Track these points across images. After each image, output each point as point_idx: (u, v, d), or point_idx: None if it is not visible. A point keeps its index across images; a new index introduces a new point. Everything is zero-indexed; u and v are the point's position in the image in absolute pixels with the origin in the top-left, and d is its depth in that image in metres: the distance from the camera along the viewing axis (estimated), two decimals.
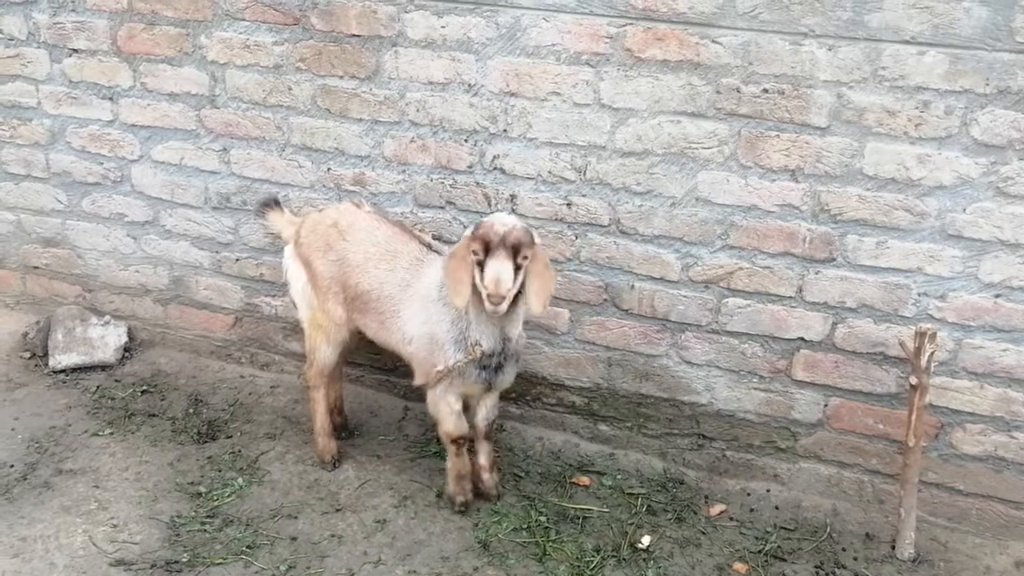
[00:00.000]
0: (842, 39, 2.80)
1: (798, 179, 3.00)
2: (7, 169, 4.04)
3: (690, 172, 3.12)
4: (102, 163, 3.87)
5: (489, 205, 3.38)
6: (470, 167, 3.36)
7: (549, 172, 3.27)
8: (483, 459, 3.23)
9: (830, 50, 2.83)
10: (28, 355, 4.04)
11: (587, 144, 3.19)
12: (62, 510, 3.12)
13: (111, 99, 3.75)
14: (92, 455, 3.42)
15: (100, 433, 3.55)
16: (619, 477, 3.43)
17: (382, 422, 3.72)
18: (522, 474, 3.42)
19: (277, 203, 3.41)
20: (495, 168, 3.33)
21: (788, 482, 3.38)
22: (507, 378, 3.04)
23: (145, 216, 3.90)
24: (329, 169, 3.54)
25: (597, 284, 3.37)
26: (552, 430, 3.64)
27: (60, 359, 3.93)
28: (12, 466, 3.34)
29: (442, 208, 3.45)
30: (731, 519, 3.26)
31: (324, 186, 3.57)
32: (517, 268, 2.68)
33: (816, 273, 3.08)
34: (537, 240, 2.76)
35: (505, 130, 3.26)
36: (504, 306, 2.68)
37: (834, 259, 3.05)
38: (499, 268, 2.66)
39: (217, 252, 3.85)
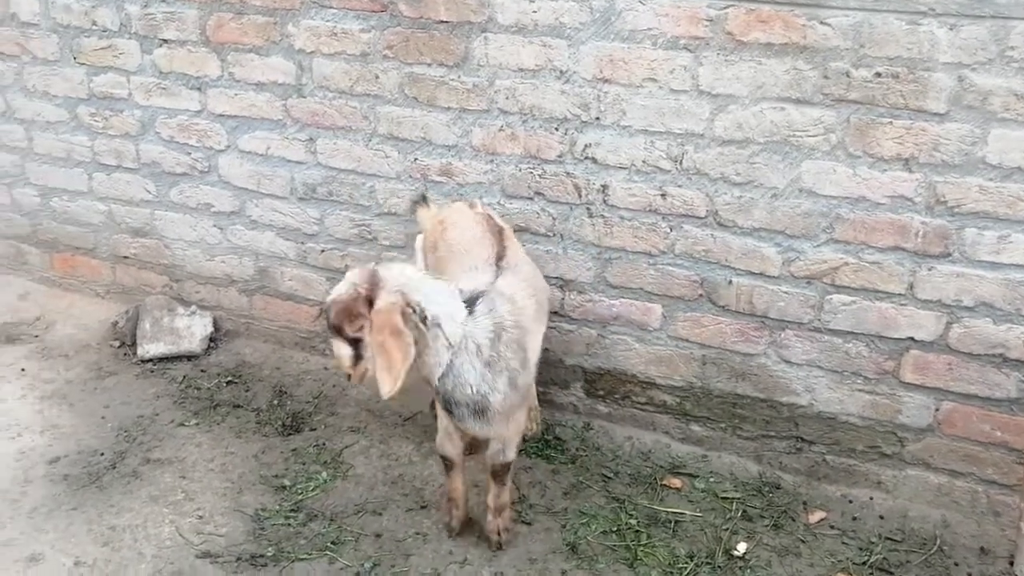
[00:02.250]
0: (965, 17, 2.61)
1: (912, 169, 2.82)
2: (99, 160, 4.08)
3: (793, 162, 2.96)
4: (190, 153, 3.88)
5: (579, 196, 3.27)
6: (560, 157, 3.25)
7: (643, 161, 3.14)
8: (489, 498, 2.88)
9: (951, 29, 2.63)
10: (118, 344, 4.08)
11: (684, 132, 3.06)
12: (150, 500, 3.12)
13: (199, 89, 3.74)
14: (179, 445, 3.42)
15: (186, 423, 3.55)
16: (712, 480, 3.28)
17: None
18: (611, 475, 3.30)
19: (425, 199, 3.26)
20: (586, 157, 3.21)
21: (893, 490, 3.19)
22: (487, 429, 2.61)
23: (231, 206, 3.90)
24: (416, 159, 3.47)
25: (692, 279, 3.23)
26: (642, 430, 3.52)
27: (148, 348, 3.96)
28: (103, 454, 3.35)
29: (530, 199, 3.35)
30: (832, 527, 3.09)
31: (410, 177, 3.50)
32: (354, 343, 2.38)
33: (929, 269, 2.89)
34: (381, 302, 2.32)
35: (598, 118, 3.15)
36: (385, 389, 2.33)
37: (950, 254, 2.85)
38: (336, 348, 2.45)
39: (302, 243, 3.82)
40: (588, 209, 3.27)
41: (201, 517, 3.05)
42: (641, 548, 2.95)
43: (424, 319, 2.39)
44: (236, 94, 3.68)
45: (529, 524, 3.04)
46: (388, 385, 2.29)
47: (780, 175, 2.99)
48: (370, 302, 2.34)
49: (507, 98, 3.25)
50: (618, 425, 3.55)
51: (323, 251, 3.80)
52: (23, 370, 3.87)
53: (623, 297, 3.35)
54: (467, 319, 2.46)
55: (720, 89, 2.97)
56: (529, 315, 2.67)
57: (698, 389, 3.36)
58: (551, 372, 3.51)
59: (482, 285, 2.61)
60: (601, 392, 3.53)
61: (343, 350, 2.42)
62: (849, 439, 3.20)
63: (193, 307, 4.11)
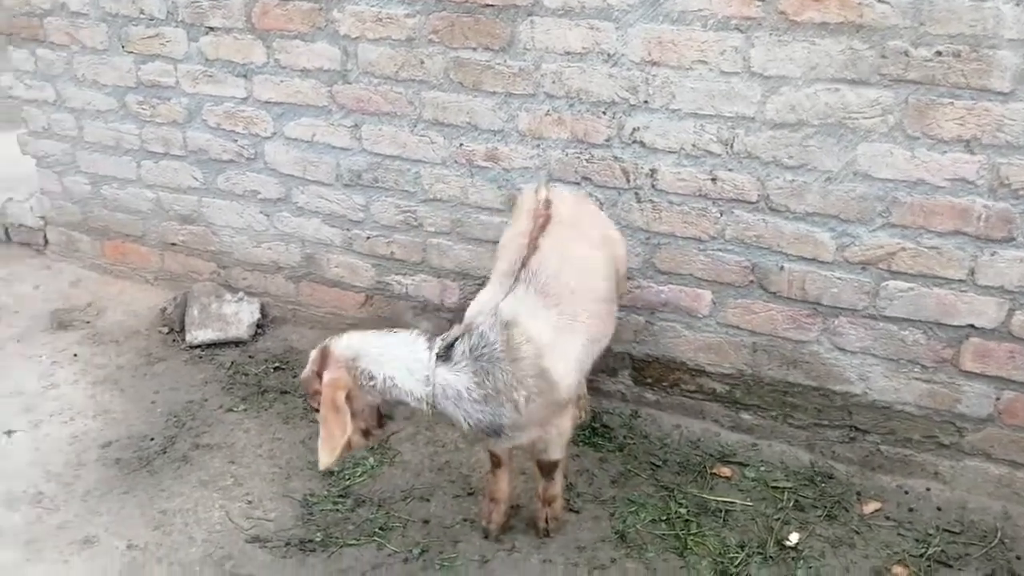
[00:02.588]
0: None
1: (974, 150, 2.73)
2: (148, 148, 4.12)
3: (848, 144, 2.88)
4: (236, 140, 3.89)
5: (627, 181, 3.22)
6: (608, 141, 3.20)
7: (693, 145, 3.08)
8: (539, 488, 2.86)
9: (1018, 5, 2.54)
10: (166, 330, 4.12)
11: (735, 115, 2.99)
12: (199, 484, 3.15)
13: (245, 76, 3.75)
14: (227, 430, 3.44)
15: (235, 409, 3.57)
16: (763, 469, 3.23)
17: None
18: (659, 463, 3.26)
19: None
20: (634, 141, 3.16)
21: (951, 481, 3.11)
22: (512, 442, 2.53)
23: (278, 193, 3.91)
24: (461, 144, 3.44)
25: (743, 264, 3.17)
26: (690, 418, 3.47)
27: (196, 334, 3.99)
28: (153, 439, 3.39)
29: (577, 184, 3.31)
30: (887, 518, 3.02)
31: (456, 162, 3.48)
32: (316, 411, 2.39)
33: (992, 254, 2.80)
34: (325, 379, 2.33)
35: (646, 101, 3.09)
36: (322, 462, 2.35)
37: (1014, 238, 2.76)
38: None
39: (348, 230, 3.82)
40: (636, 194, 3.23)
41: (250, 502, 3.07)
42: (691, 537, 2.91)
43: (374, 385, 2.36)
44: (282, 81, 3.68)
45: (577, 512, 3.02)
46: (325, 458, 2.31)
47: (834, 158, 2.91)
48: (321, 378, 2.36)
49: (553, 82, 3.20)
50: (666, 413, 3.51)
51: (368, 238, 3.79)
52: (75, 355, 3.92)
53: (672, 283, 3.30)
54: (436, 368, 2.33)
55: (772, 71, 2.90)
56: (547, 329, 2.42)
57: (748, 377, 3.31)
58: (599, 360, 3.46)
59: (481, 312, 2.46)
60: (649, 380, 3.48)
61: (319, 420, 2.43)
62: (905, 428, 3.12)
63: (240, 293, 4.13)
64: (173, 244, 4.27)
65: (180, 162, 4.07)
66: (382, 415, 2.50)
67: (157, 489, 3.12)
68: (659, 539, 2.91)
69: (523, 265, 2.51)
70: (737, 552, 2.85)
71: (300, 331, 4.13)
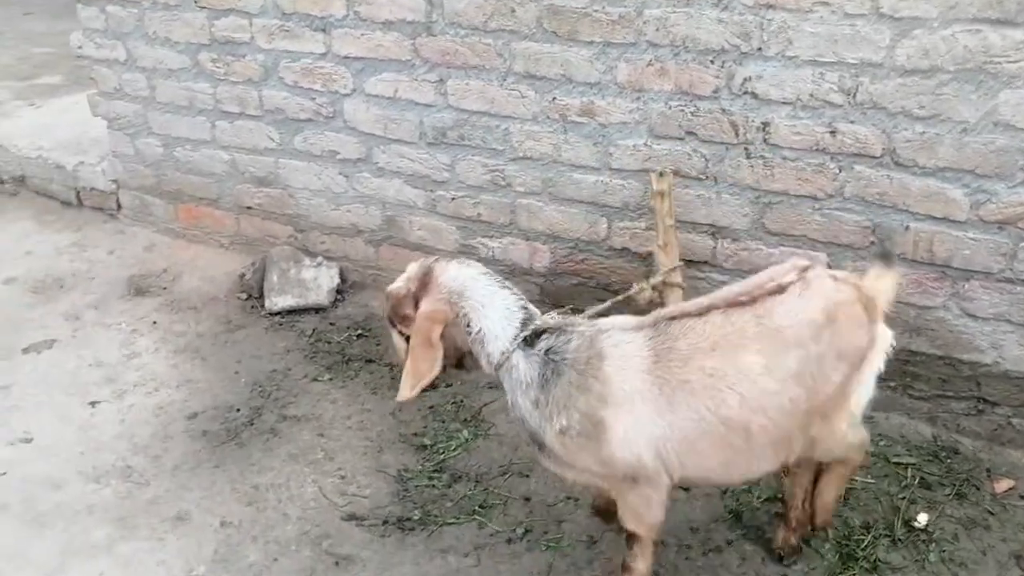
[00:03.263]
0: None
1: None
2: (222, 107, 3.98)
3: (989, 91, 2.62)
4: (314, 99, 3.73)
5: (736, 135, 2.99)
6: (715, 92, 2.97)
7: (811, 95, 2.84)
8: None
9: None
10: (245, 296, 4.01)
11: (859, 62, 2.74)
12: (290, 458, 3.04)
13: (324, 30, 3.57)
14: (313, 401, 3.33)
15: (320, 378, 3.46)
16: (882, 444, 3.02)
17: None
18: None
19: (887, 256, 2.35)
20: (745, 92, 2.93)
21: None
22: (548, 464, 2.27)
23: (357, 153, 3.74)
24: (554, 99, 3.24)
25: (863, 224, 2.93)
26: None
27: (276, 301, 3.87)
28: (239, 410, 3.29)
29: (681, 140, 3.09)
30: (1022, 498, 2.80)
31: (548, 118, 3.28)
32: (406, 337, 2.26)
33: None
34: (424, 306, 2.19)
35: (760, 48, 2.85)
36: (401, 394, 2.20)
37: None
38: (392, 336, 2.35)
39: (432, 191, 3.65)
40: (746, 149, 3.00)
41: (343, 477, 2.95)
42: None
43: (468, 330, 2.19)
44: (362, 34, 3.50)
45: (686, 490, 2.85)
46: (405, 391, 2.18)
47: (972, 107, 2.65)
48: (417, 302, 2.22)
49: (657, 29, 2.97)
50: None
51: (454, 199, 3.62)
52: (155, 323, 3.83)
53: (783, 245, 3.08)
54: (516, 347, 2.16)
55: (904, 11, 2.64)
56: (637, 389, 2.07)
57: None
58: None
59: (598, 325, 2.21)
60: None
61: (397, 341, 2.33)
62: None
63: (319, 258, 4.00)
64: (249, 208, 4.14)
65: (256, 122, 3.92)
66: (463, 358, 2.32)
67: (247, 463, 3.02)
68: (776, 518, 2.73)
69: (670, 318, 2.14)
70: (863, 534, 2.67)
71: (381, 296, 3.97)
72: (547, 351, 2.15)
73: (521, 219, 3.51)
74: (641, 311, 3.08)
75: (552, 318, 2.23)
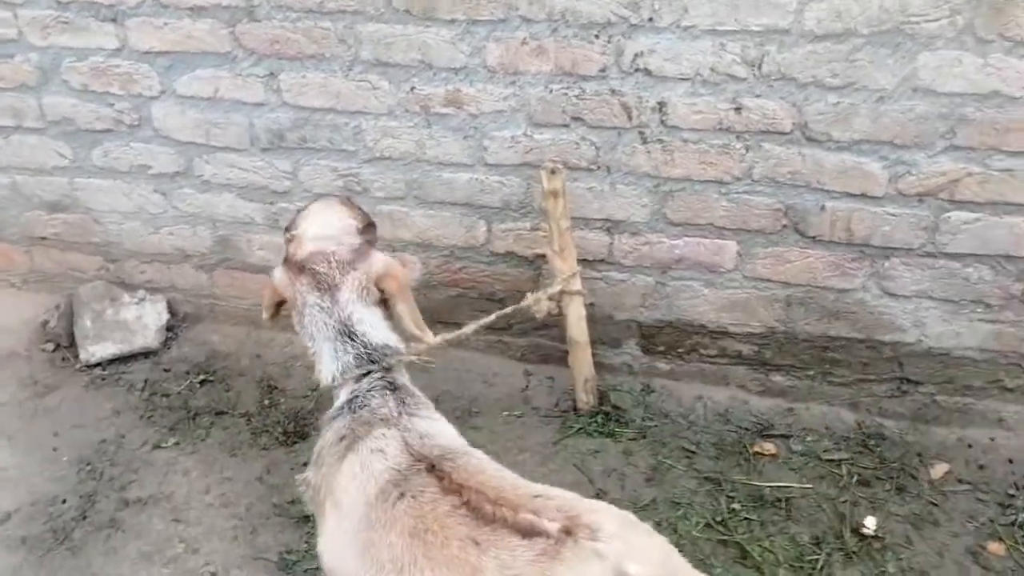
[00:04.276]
0: None
1: None
2: None
3: (907, 55, 2.37)
4: (112, 104, 3.06)
5: (630, 118, 2.63)
6: (603, 71, 2.59)
7: (711, 69, 2.50)
8: None
9: None
10: (52, 347, 3.33)
11: (764, 29, 2.43)
12: (141, 558, 2.48)
13: (114, 20, 2.91)
14: (160, 475, 2.75)
15: (163, 444, 2.88)
16: (809, 440, 2.80)
17: (501, 393, 3.05)
18: (692, 447, 2.79)
19: None
20: (637, 70, 2.56)
21: (1016, 427, 2.77)
22: None
23: (175, 166, 3.12)
24: (413, 88, 2.75)
25: (775, 207, 2.66)
26: (712, 385, 3.00)
27: (93, 351, 3.21)
28: (65, 501, 2.67)
29: (566, 127, 2.70)
30: (960, 481, 2.67)
31: (407, 111, 2.79)
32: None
33: None
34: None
35: (651, 19, 2.48)
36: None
37: None
38: None
39: (272, 203, 3.09)
40: (641, 133, 2.64)
41: (214, 574, 2.42)
42: (757, 542, 2.45)
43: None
44: (165, 23, 2.86)
45: None
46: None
47: (889, 73, 2.40)
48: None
49: (531, 3, 2.54)
50: (684, 383, 3.02)
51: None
52: None
53: (688, 235, 2.77)
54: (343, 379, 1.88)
55: None
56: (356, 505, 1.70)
57: (780, 335, 2.84)
58: (599, 330, 2.94)
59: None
60: (661, 348, 2.98)
61: None
62: (964, 376, 2.75)
63: (140, 292, 3.36)
64: (43, 238, 3.42)
65: (38, 136, 3.20)
66: None
67: (87, 573, 2.42)
68: (720, 546, 2.46)
69: (440, 471, 1.66)
70: (814, 552, 2.44)
71: (222, 329, 3.40)
72: (352, 396, 1.85)
73: (384, 228, 3.01)
74: (539, 326, 2.70)
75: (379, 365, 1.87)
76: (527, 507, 1.51)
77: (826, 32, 2.39)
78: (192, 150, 3.07)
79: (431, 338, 1.99)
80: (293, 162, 2.99)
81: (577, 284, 2.71)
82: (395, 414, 1.79)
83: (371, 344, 1.87)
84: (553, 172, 2.54)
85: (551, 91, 2.65)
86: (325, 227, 1.97)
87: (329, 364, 1.88)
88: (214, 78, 2.91)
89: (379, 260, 1.94)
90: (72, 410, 3.04)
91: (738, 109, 2.54)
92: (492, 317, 2.37)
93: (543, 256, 2.87)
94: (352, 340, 1.86)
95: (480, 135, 2.77)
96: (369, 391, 1.83)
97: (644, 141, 2.66)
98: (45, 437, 2.92)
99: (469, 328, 2.31)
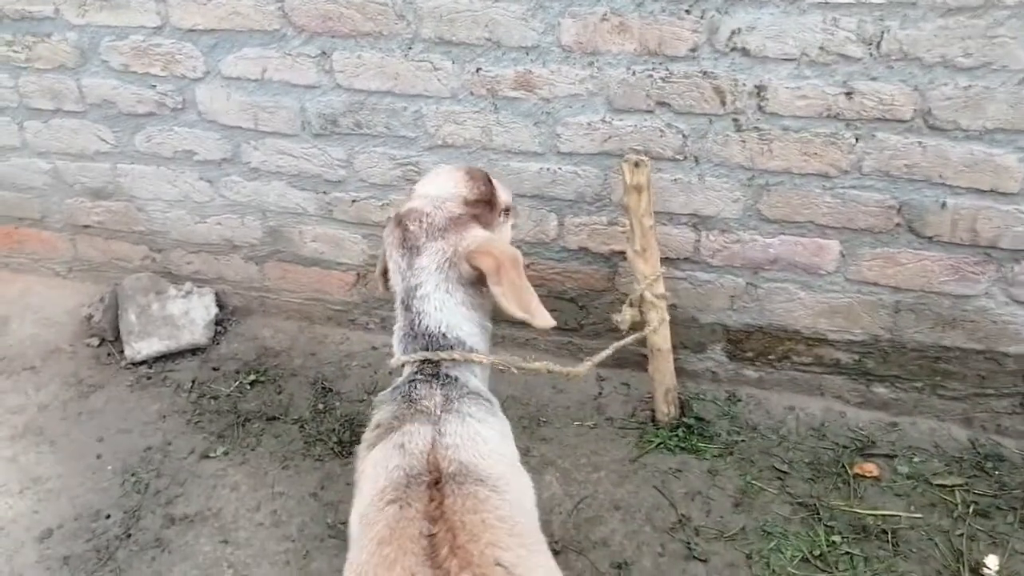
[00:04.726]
0: None
1: None
2: (29, 103, 3.03)
3: None
4: (154, 86, 2.84)
5: (723, 104, 2.33)
6: (694, 50, 2.29)
7: (820, 48, 2.19)
8: None
9: None
10: (97, 342, 3.16)
11: (886, 1, 2.10)
12: None
13: None
14: (208, 489, 2.57)
15: (211, 453, 2.69)
16: (916, 461, 2.51)
17: (572, 401, 2.81)
18: (784, 466, 2.52)
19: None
20: (733, 49, 2.26)
21: None
22: None
23: (221, 152, 2.90)
24: (479, 70, 2.48)
25: (887, 204, 2.35)
26: (805, 395, 2.72)
27: (139, 347, 3.03)
28: (108, 516, 2.50)
29: (649, 112, 2.41)
30: None
31: (472, 94, 2.52)
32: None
33: None
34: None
35: None
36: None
37: None
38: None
39: (325, 192, 2.86)
40: (735, 120, 2.35)
41: None
42: None
43: None
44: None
45: (704, 561, 2.27)
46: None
47: None
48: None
49: None
50: (773, 392, 2.75)
51: (355, 201, 2.84)
52: None
53: (785, 234, 2.47)
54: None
55: None
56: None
57: (886, 343, 2.54)
58: (681, 333, 2.67)
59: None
60: (749, 354, 2.70)
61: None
62: None
63: (187, 284, 3.17)
64: (86, 226, 3.24)
65: (79, 120, 3.00)
66: None
67: None
68: None
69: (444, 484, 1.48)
70: None
71: (273, 324, 3.20)
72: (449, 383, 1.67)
73: None
74: (614, 327, 2.44)
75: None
76: (476, 570, 1.32)
77: (961, 4, 2.06)
78: (239, 135, 2.84)
79: (542, 321, 1.70)
80: (347, 149, 2.75)
81: (661, 287, 2.45)
82: (437, 411, 1.60)
83: (426, 327, 1.68)
84: (637, 165, 2.26)
85: (634, 73, 2.36)
86: (435, 188, 1.82)
87: (396, 340, 1.74)
88: (261, 58, 2.67)
89: (476, 235, 1.72)
90: (117, 413, 2.87)
91: (849, 94, 2.23)
92: (609, 352, 2.16)
93: (621, 253, 2.61)
94: (411, 315, 1.70)
95: (553, 121, 2.50)
96: (417, 380, 1.65)
97: (739, 129, 2.36)
98: (89, 443, 2.75)
99: (583, 367, 2.10)
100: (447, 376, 1.66)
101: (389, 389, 1.69)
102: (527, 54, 2.43)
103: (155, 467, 2.66)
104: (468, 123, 2.58)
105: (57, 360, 3.09)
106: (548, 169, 2.58)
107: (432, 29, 2.46)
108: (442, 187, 1.83)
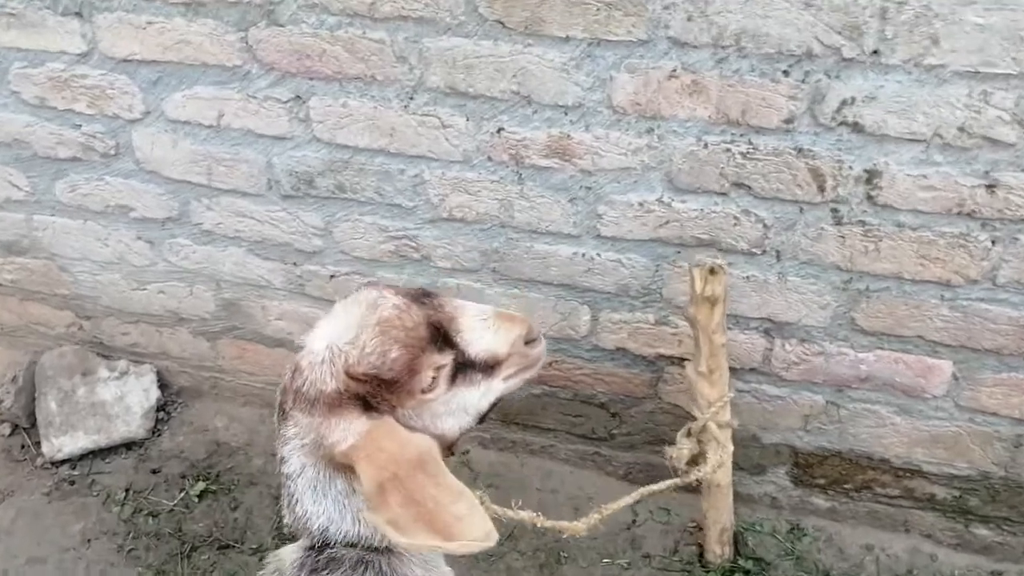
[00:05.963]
0: None
1: None
2: None
3: None
4: (79, 126, 2.23)
5: (821, 190, 1.80)
6: (789, 122, 1.75)
7: (960, 129, 1.67)
8: None
9: None
10: (8, 430, 2.56)
11: None
12: None
13: (79, 15, 2.07)
14: None
15: None
16: None
17: (600, 530, 2.27)
18: None
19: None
20: (842, 123, 1.72)
21: None
22: None
23: (165, 210, 2.31)
24: (500, 130, 1.92)
25: (1022, 322, 1.83)
26: (887, 532, 2.23)
27: (59, 444, 2.46)
28: None
29: (722, 195, 1.87)
30: None
31: (490, 160, 1.96)
32: None
33: None
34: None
35: (876, 51, 1.64)
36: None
37: None
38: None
39: (295, 264, 2.29)
40: (835, 211, 1.82)
41: None
42: None
43: None
44: (149, 23, 2.02)
45: None
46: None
47: None
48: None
49: (689, 18, 1.69)
50: (847, 526, 2.25)
51: (333, 276, 2.27)
52: None
53: (883, 348, 1.96)
54: None
55: None
56: None
57: (997, 481, 2.06)
58: (737, 452, 2.14)
59: None
60: (821, 481, 2.20)
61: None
62: None
63: (122, 363, 2.59)
64: None
65: None
66: None
67: None
68: None
69: None
70: None
71: (228, 410, 2.63)
72: None
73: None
74: (652, 439, 1.92)
75: None
76: None
77: None
78: (188, 191, 2.25)
79: (471, 543, 1.19)
80: (326, 216, 2.17)
81: (727, 414, 1.92)
82: None
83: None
84: (713, 272, 1.73)
85: (706, 145, 1.82)
86: (332, 330, 1.28)
87: None
88: (217, 99, 2.08)
89: (350, 428, 1.19)
90: (29, 533, 2.30)
91: (991, 187, 1.71)
92: (634, 497, 1.61)
93: (669, 357, 2.09)
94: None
95: (594, 198, 1.95)
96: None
97: (838, 222, 1.83)
98: None
99: (588, 521, 1.60)
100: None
101: None
102: (566, 114, 1.87)
103: None
104: (483, 194, 2.02)
105: None
106: (583, 255, 2.04)
107: (442, 76, 1.89)
108: (338, 333, 1.25)
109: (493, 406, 1.37)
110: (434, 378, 1.24)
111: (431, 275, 2.18)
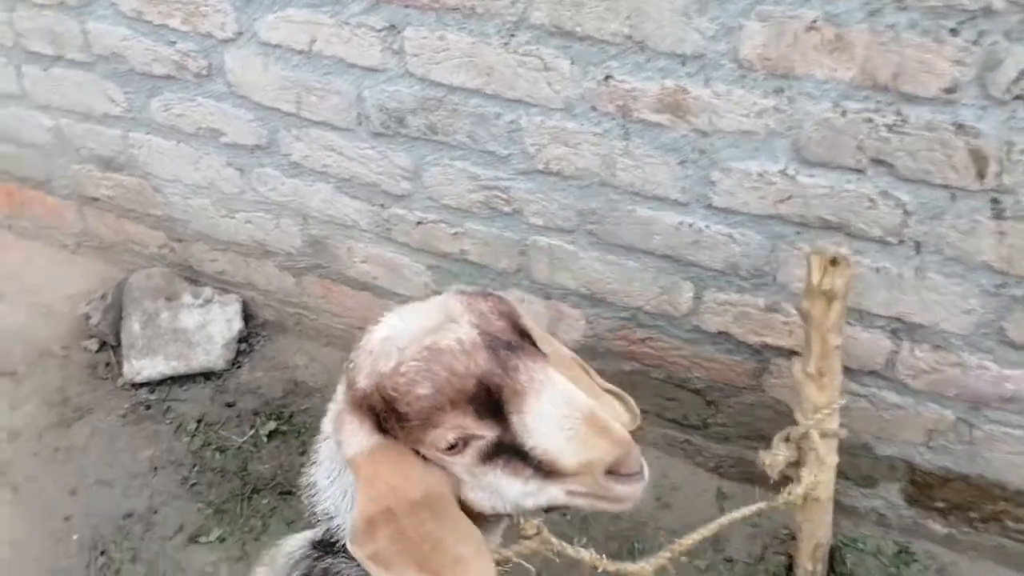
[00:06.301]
0: None
1: None
2: (26, 45, 2.37)
3: None
4: (173, 43, 2.14)
5: (980, 175, 1.51)
6: (950, 91, 1.46)
7: None
8: None
9: None
10: (95, 346, 2.55)
11: None
12: None
13: None
14: None
15: (203, 537, 2.08)
16: None
17: (681, 523, 2.08)
18: None
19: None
20: (1018, 97, 1.44)
21: None
22: None
23: (254, 137, 2.20)
24: (608, 77, 1.70)
25: None
26: (1012, 570, 1.94)
27: (139, 366, 2.42)
28: None
29: (857, 172, 1.60)
30: None
31: (595, 109, 1.75)
32: None
33: None
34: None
35: None
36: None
37: None
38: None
39: (383, 206, 2.15)
40: (995, 201, 1.53)
41: None
42: None
43: None
44: None
45: None
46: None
47: None
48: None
49: None
50: (965, 557, 1.98)
51: (420, 223, 2.12)
52: None
53: None
54: None
55: None
56: None
57: None
58: (846, 461, 1.89)
59: None
60: (940, 504, 1.93)
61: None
62: None
63: (207, 290, 2.53)
64: (95, 199, 2.61)
65: (84, 72, 2.34)
66: None
67: None
68: None
69: None
70: None
71: (309, 349, 2.55)
72: None
73: (537, 266, 2.04)
74: (748, 433, 1.69)
75: None
76: None
77: None
78: (277, 119, 2.13)
79: None
80: (416, 157, 2.01)
81: (834, 422, 1.68)
82: None
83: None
84: (835, 262, 1.48)
85: (844, 112, 1.55)
86: (399, 323, 1.06)
87: None
88: (310, 23, 1.93)
89: (358, 443, 1.02)
90: (100, 454, 2.28)
91: None
92: (707, 531, 1.44)
93: (778, 348, 1.85)
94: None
95: (708, 163, 1.71)
96: None
97: (998, 215, 1.54)
98: (59, 497, 2.17)
99: (655, 562, 1.42)
100: None
101: None
102: (683, 64, 1.63)
103: (132, 546, 2.06)
104: (584, 147, 1.81)
105: (44, 367, 2.51)
106: (690, 225, 1.81)
107: (547, 12, 1.68)
108: (400, 332, 1.03)
109: (549, 510, 1.12)
110: (457, 444, 1.01)
111: (521, 231, 2.00)
